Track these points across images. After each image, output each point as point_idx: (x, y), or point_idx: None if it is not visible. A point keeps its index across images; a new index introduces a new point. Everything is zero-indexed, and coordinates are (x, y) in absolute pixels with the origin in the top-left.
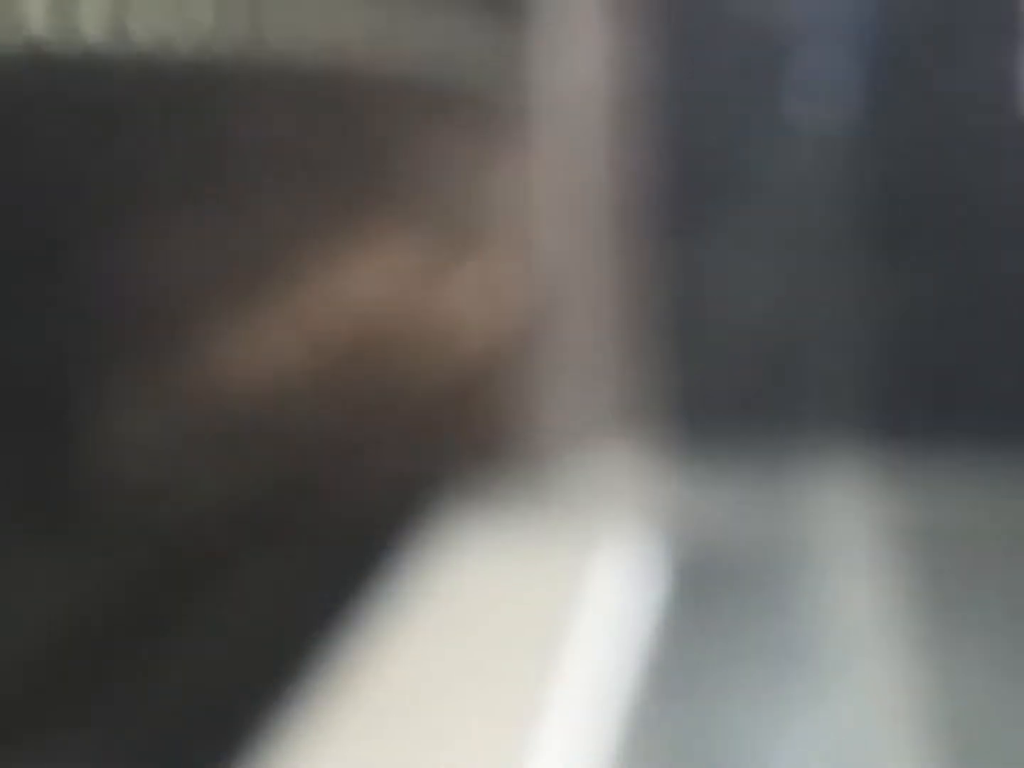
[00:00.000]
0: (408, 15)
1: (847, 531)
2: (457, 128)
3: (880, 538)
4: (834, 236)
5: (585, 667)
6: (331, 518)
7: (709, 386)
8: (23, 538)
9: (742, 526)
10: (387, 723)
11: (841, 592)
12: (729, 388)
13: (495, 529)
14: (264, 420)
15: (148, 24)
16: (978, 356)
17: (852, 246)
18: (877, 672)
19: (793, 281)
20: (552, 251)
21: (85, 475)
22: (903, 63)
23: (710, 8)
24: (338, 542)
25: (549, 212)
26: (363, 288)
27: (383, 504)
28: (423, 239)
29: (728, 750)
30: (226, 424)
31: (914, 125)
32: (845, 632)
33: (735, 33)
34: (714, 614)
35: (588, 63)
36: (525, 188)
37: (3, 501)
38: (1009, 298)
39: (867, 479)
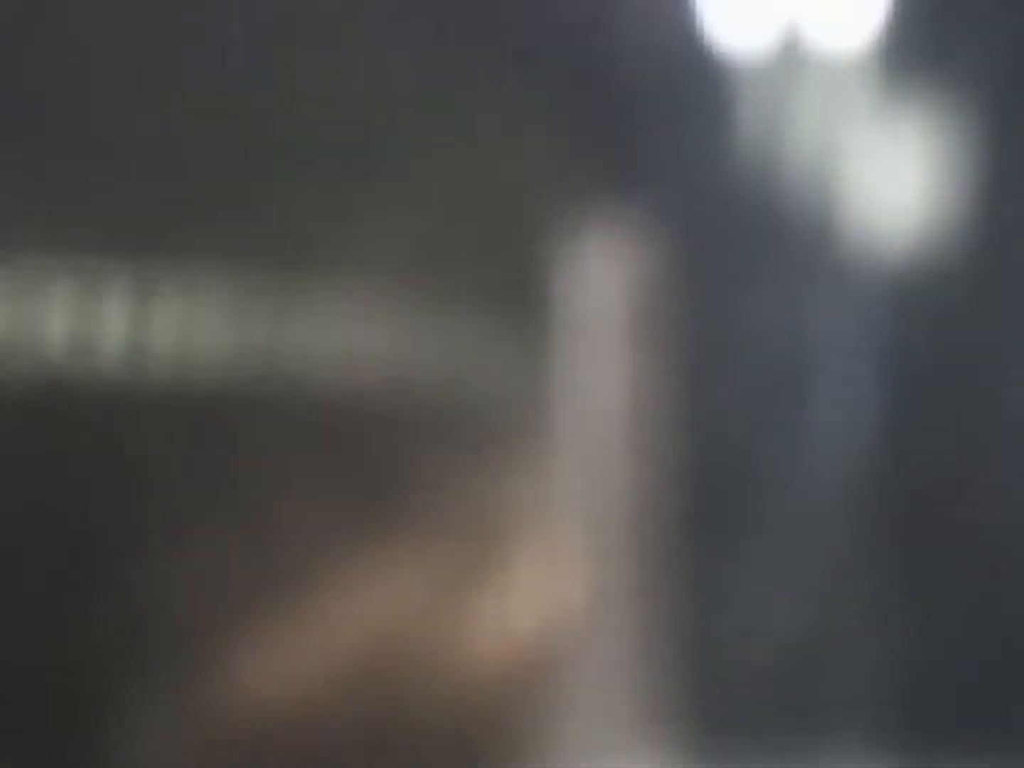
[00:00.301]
0: (427, 337)
1: None
2: (474, 443)
3: None
4: (844, 555)
5: None
6: None
7: (725, 699)
8: None
9: None
10: None
11: None
12: (745, 701)
13: None
14: (280, 735)
15: (166, 353)
16: (990, 678)
17: (863, 564)
18: None
19: (805, 597)
20: (571, 563)
21: None
22: (916, 384)
23: (726, 330)
24: None
25: (571, 521)
26: (380, 607)
27: None
28: (442, 554)
29: None
30: (241, 737)
31: (931, 448)
32: None
33: (749, 350)
34: None
35: (606, 377)
36: (543, 502)
37: None
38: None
39: None
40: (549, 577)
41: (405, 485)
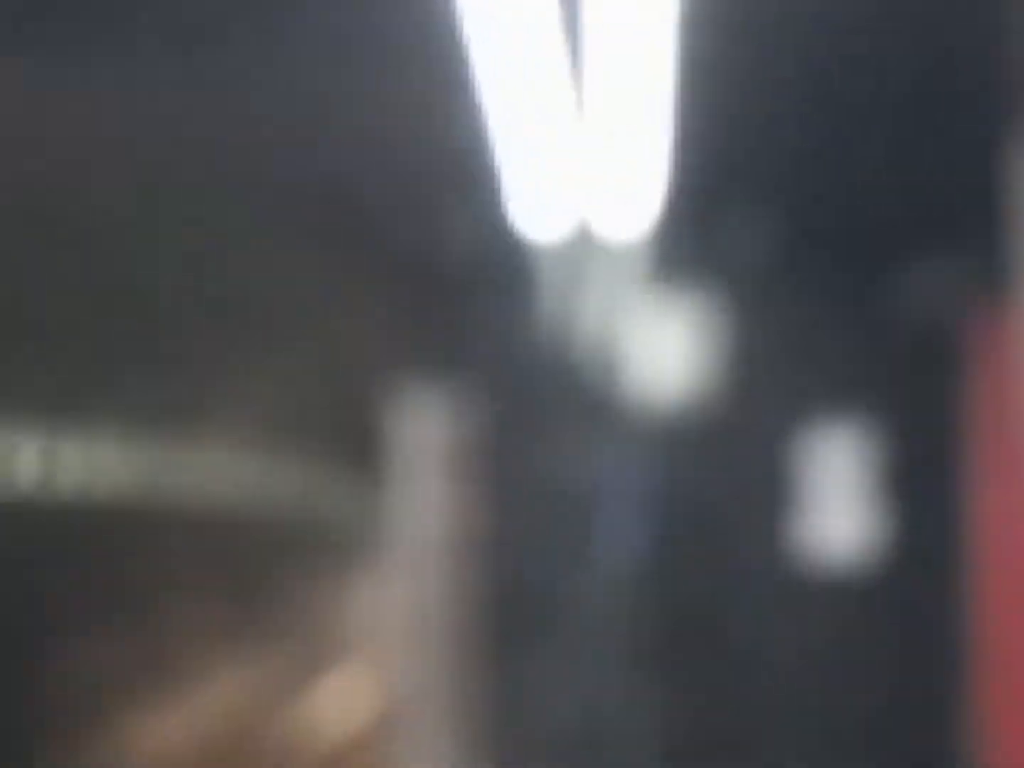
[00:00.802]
0: (286, 473)
1: None
2: (321, 561)
3: None
4: (621, 658)
5: None
6: None
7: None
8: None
9: None
10: None
11: None
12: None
13: None
14: None
15: (74, 477)
16: (735, 753)
17: (635, 665)
18: None
19: (589, 694)
20: (403, 666)
21: None
22: (681, 519)
23: (528, 476)
24: None
25: (401, 633)
26: (242, 690)
27: None
28: (294, 653)
29: None
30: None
31: (690, 570)
32: None
33: (546, 492)
34: None
35: (432, 511)
36: (381, 612)
37: None
38: (754, 706)
39: None
40: (373, 674)
41: (261, 595)
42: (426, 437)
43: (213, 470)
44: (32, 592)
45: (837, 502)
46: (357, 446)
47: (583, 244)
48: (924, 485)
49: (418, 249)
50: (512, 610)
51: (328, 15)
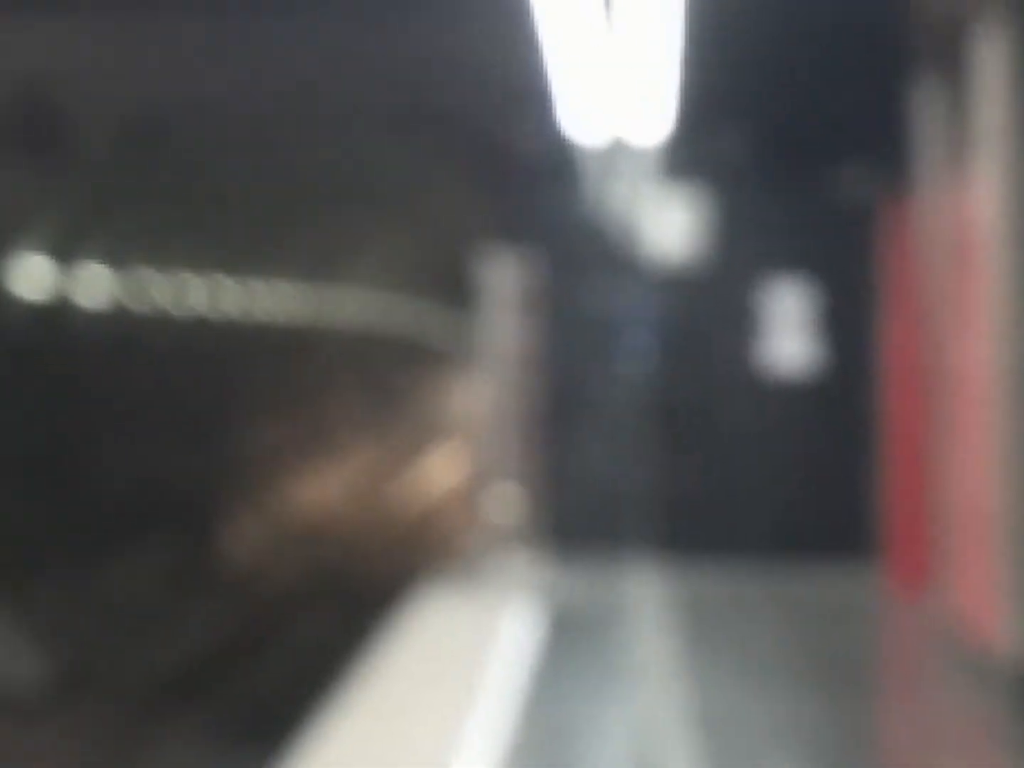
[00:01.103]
0: (404, 302)
1: (643, 602)
2: (430, 370)
3: (669, 602)
4: (638, 437)
5: (500, 668)
6: (360, 591)
7: (570, 519)
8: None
9: (584, 595)
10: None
11: (638, 635)
12: (580, 520)
13: (457, 595)
14: (314, 538)
15: (263, 306)
16: (715, 504)
17: (651, 444)
18: (661, 687)
19: (615, 461)
20: (487, 442)
21: (218, 557)
22: (681, 341)
23: (575, 311)
24: (367, 602)
25: (485, 420)
26: (373, 464)
27: (389, 583)
28: (411, 436)
29: (576, 733)
30: (295, 535)
31: (686, 376)
32: (639, 660)
33: (588, 322)
34: (565, 642)
35: (508, 335)
36: (471, 405)
37: (187, 557)
38: (730, 474)
39: (657, 571)
40: (476, 443)
41: (387, 392)
42: (503, 283)
43: (354, 304)
44: (229, 388)
45: (788, 332)
46: (455, 289)
47: (616, 149)
48: (848, 322)
49: (498, 152)
50: (562, 404)
51: None
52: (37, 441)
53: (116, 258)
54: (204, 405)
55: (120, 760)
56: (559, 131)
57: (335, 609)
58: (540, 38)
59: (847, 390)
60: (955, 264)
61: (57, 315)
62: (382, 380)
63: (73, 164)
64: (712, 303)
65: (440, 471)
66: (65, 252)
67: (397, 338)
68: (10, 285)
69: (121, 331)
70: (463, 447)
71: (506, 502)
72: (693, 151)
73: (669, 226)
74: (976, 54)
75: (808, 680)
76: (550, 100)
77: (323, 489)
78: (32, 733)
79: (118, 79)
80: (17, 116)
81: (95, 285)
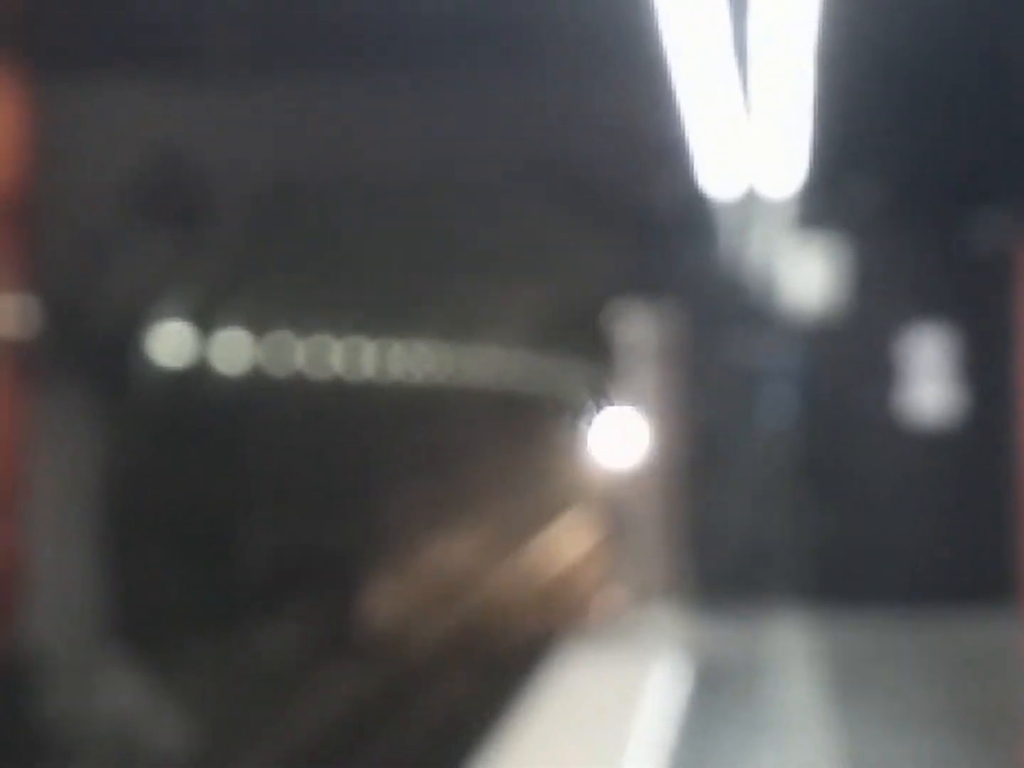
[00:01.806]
0: (543, 361)
1: (787, 654)
2: (567, 426)
3: (812, 654)
4: (779, 489)
5: (647, 723)
6: (503, 651)
7: (713, 573)
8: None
9: (727, 648)
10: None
11: (785, 687)
12: (723, 574)
13: (609, 648)
14: (456, 599)
15: (402, 367)
16: (859, 554)
17: (792, 494)
18: (810, 739)
19: (757, 513)
20: (628, 497)
21: (361, 611)
22: (819, 392)
23: (713, 362)
24: (511, 662)
25: (625, 476)
26: (513, 523)
27: (531, 643)
28: (549, 493)
29: None
30: (437, 597)
31: (826, 427)
32: (786, 712)
33: (727, 375)
34: (711, 694)
35: (646, 389)
36: (610, 463)
37: (332, 622)
38: (872, 523)
39: (799, 623)
40: (604, 507)
41: (529, 443)
42: (641, 339)
43: (493, 363)
44: (369, 449)
45: (927, 381)
46: (595, 346)
47: (750, 201)
48: (988, 371)
49: (634, 208)
50: (702, 457)
51: (557, 39)
52: (195, 504)
53: (258, 325)
54: (345, 468)
55: None
56: (696, 186)
57: (480, 669)
58: (677, 94)
59: (987, 437)
60: None
61: (201, 377)
62: (520, 437)
63: (215, 238)
64: (850, 353)
65: (578, 530)
66: (206, 318)
67: (533, 397)
68: (150, 354)
69: (262, 395)
70: (603, 503)
71: (647, 559)
72: (829, 201)
73: (806, 277)
74: None
75: (956, 726)
76: (687, 156)
77: (462, 551)
78: None
79: (270, 152)
80: (160, 181)
81: (237, 351)
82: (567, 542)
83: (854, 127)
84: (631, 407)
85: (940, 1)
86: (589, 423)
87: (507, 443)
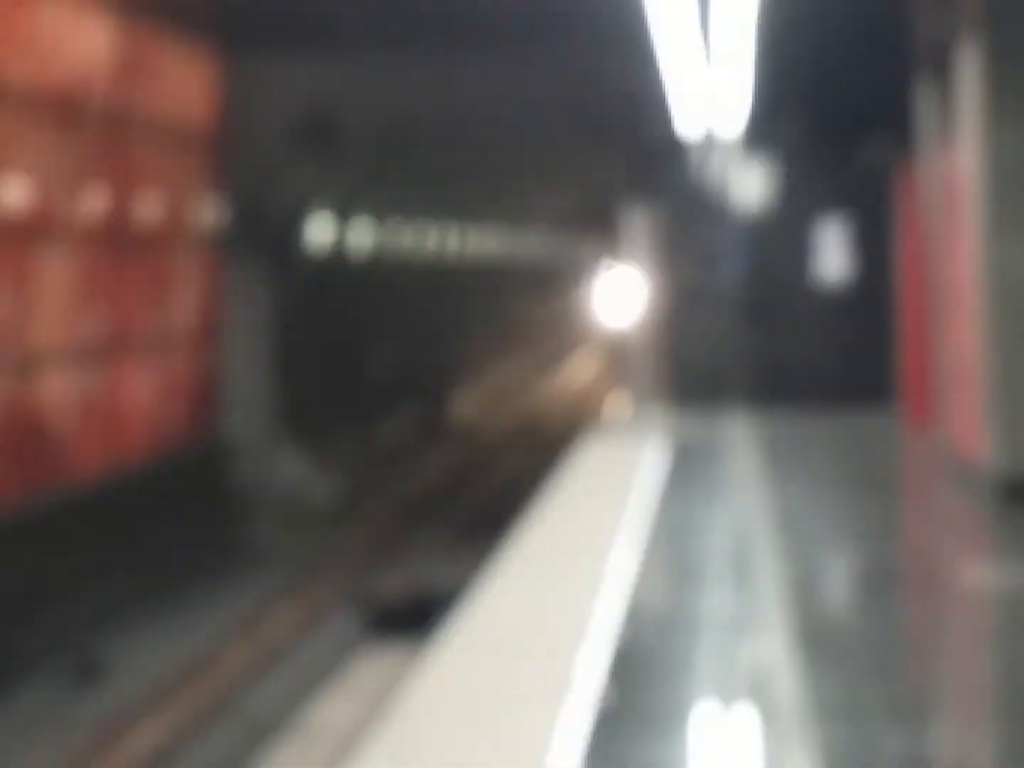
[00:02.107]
0: (568, 243)
1: (742, 437)
2: (561, 286)
3: (755, 436)
4: (732, 329)
5: (644, 477)
6: (541, 430)
7: (686, 383)
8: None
9: (698, 434)
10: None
11: (738, 458)
12: (693, 385)
13: (616, 435)
14: (510, 400)
15: (470, 247)
16: (787, 371)
17: (740, 333)
18: (753, 490)
19: (716, 345)
20: (630, 334)
21: (447, 411)
22: (759, 262)
23: (686, 242)
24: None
25: (629, 321)
26: (551, 352)
27: (578, 429)
28: (575, 331)
29: (697, 520)
30: (489, 400)
31: (763, 286)
32: (740, 474)
33: (695, 250)
34: (687, 464)
35: (641, 260)
36: (617, 312)
37: (427, 418)
38: (795, 351)
39: (747, 416)
40: (603, 347)
41: (556, 302)
42: (638, 224)
43: (534, 242)
44: (455, 298)
45: (832, 255)
46: (602, 233)
47: (713, 138)
48: (872, 245)
49: (632, 138)
50: (677, 307)
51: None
52: (338, 341)
53: (383, 218)
54: (439, 315)
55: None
56: (676, 128)
57: (536, 442)
58: (661, 68)
59: (875, 290)
60: (945, 205)
61: (340, 255)
62: (556, 290)
63: (347, 158)
64: (779, 236)
65: (594, 357)
66: (344, 215)
67: (556, 267)
68: (307, 239)
69: (384, 268)
70: (610, 339)
71: (641, 375)
72: (763, 136)
73: (748, 186)
74: (957, 63)
75: (851, 483)
76: (670, 111)
77: (514, 370)
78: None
79: (391, 100)
80: (311, 122)
81: (366, 235)
82: (585, 365)
83: (779, 85)
84: (632, 269)
85: (827, 31)
86: (599, 281)
87: (536, 293)
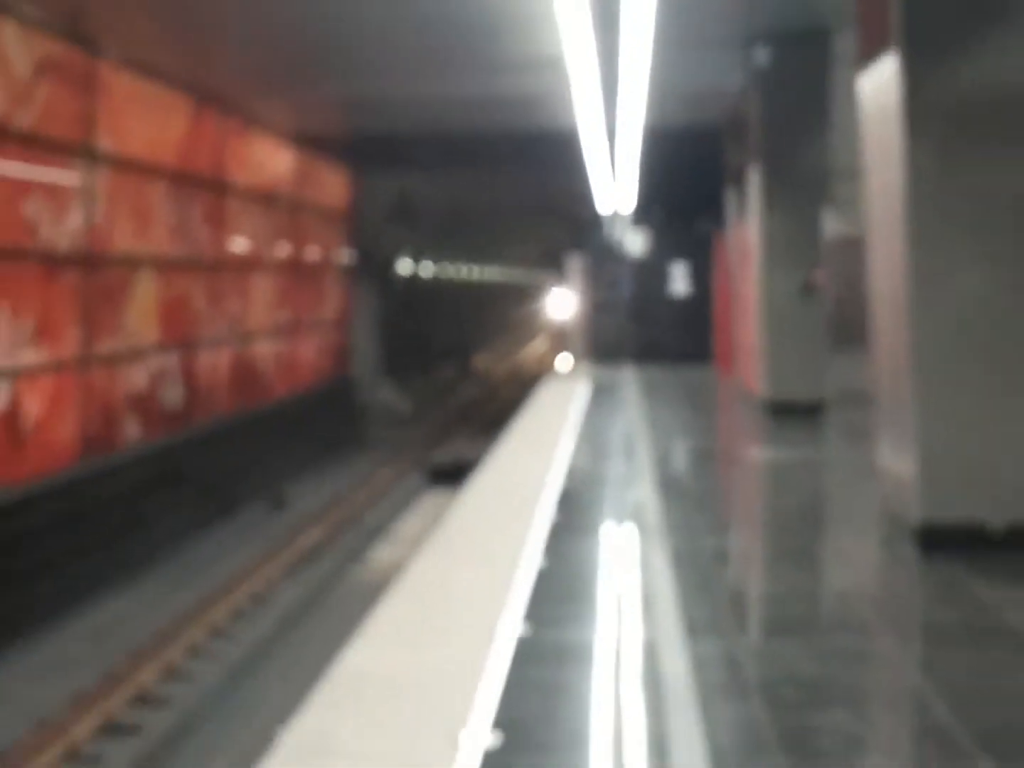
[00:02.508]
0: (529, 273)
1: (630, 379)
2: (531, 298)
3: (637, 379)
4: (626, 321)
5: (577, 399)
6: (524, 378)
7: (599, 352)
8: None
9: (608, 376)
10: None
11: (628, 390)
12: (604, 352)
13: (562, 377)
14: (505, 361)
15: (474, 276)
16: (655, 345)
17: (630, 324)
18: (634, 407)
19: (617, 330)
20: (568, 327)
21: (470, 366)
22: (640, 285)
23: (600, 275)
24: (529, 381)
25: (567, 318)
26: (522, 336)
27: (533, 377)
28: (536, 325)
29: (605, 423)
30: (499, 359)
31: (643, 297)
32: (629, 399)
33: (605, 278)
34: (601, 394)
35: (577, 285)
36: (561, 314)
37: (460, 370)
38: (659, 335)
39: (635, 368)
40: (549, 338)
41: (527, 315)
42: (574, 264)
43: (516, 273)
44: (473, 305)
45: (680, 281)
46: (556, 266)
47: (616, 216)
48: (702, 278)
49: (572, 215)
50: (596, 310)
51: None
52: (412, 326)
53: (436, 259)
54: (465, 312)
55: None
56: (597, 210)
57: (519, 382)
58: (592, 180)
59: (702, 301)
60: (741, 256)
61: (414, 279)
62: (524, 300)
63: (417, 226)
64: (652, 271)
65: (548, 338)
66: (416, 257)
67: (528, 287)
68: (397, 270)
69: (437, 286)
70: (557, 329)
71: (575, 347)
72: (643, 215)
73: (635, 242)
74: (747, 178)
75: (689, 404)
76: (593, 201)
77: (504, 344)
78: (407, 424)
79: (441, 194)
80: (399, 206)
81: (428, 268)
82: (544, 342)
83: (650, 191)
84: (570, 289)
85: (677, 161)
86: (552, 296)
87: (517, 302)
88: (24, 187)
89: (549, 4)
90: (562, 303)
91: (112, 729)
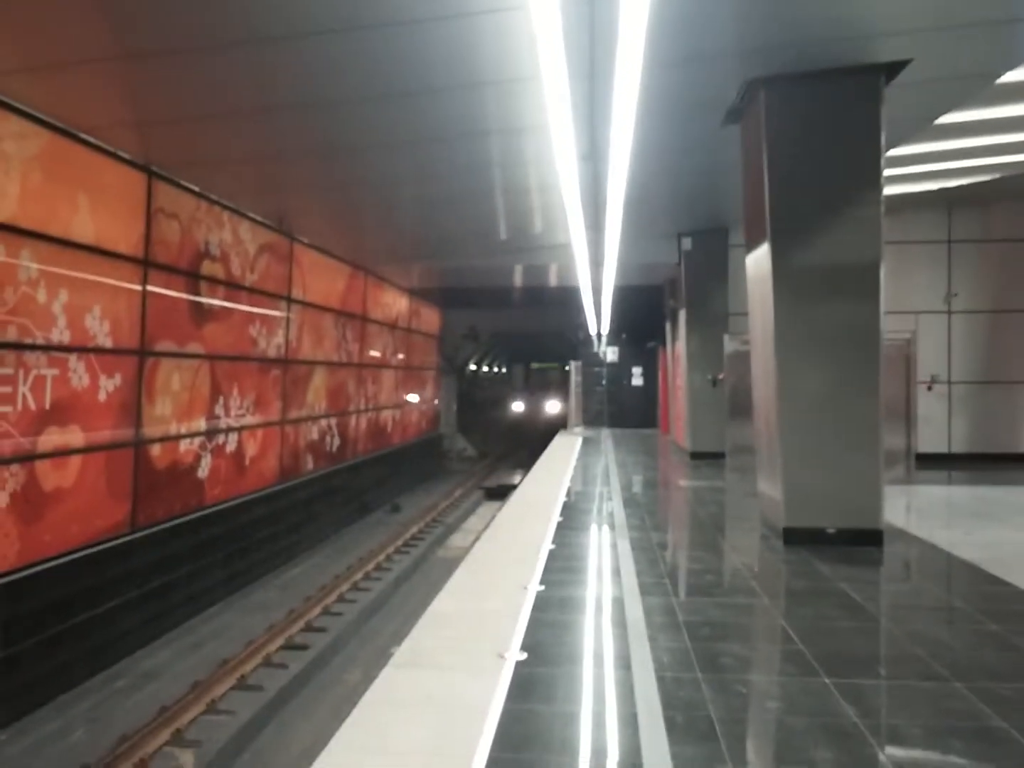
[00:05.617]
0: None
1: (606, 436)
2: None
3: (611, 436)
4: (604, 401)
5: (575, 445)
6: (541, 432)
7: (587, 419)
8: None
9: (593, 433)
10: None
11: (605, 443)
12: (592, 418)
13: (567, 432)
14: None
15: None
16: (622, 415)
17: (607, 402)
18: (611, 452)
19: (599, 404)
20: (571, 404)
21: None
22: (614, 382)
23: (589, 374)
24: (546, 434)
25: (572, 398)
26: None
27: (550, 431)
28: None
29: (591, 461)
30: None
31: (616, 387)
32: (606, 448)
33: (591, 376)
34: (588, 444)
35: (575, 381)
36: (572, 398)
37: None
38: (624, 408)
39: (609, 429)
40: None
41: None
42: (572, 367)
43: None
44: (504, 386)
45: (637, 377)
46: (559, 378)
47: (598, 336)
48: (652, 374)
49: (572, 336)
50: (586, 394)
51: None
52: (474, 405)
53: (489, 362)
54: (493, 392)
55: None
56: (589, 331)
57: (537, 436)
58: (585, 315)
59: (650, 389)
60: (674, 362)
61: (475, 375)
62: (533, 399)
63: (480, 343)
64: (620, 370)
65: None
66: (478, 361)
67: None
68: (466, 369)
69: (490, 377)
70: (559, 412)
71: (575, 417)
72: (615, 337)
73: (610, 353)
74: (678, 316)
75: (643, 452)
76: (586, 328)
77: (518, 412)
78: (474, 462)
79: (493, 323)
80: (468, 331)
81: (483, 367)
82: (554, 413)
83: (620, 324)
84: (562, 397)
85: (636, 305)
86: (553, 400)
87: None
88: (250, 318)
89: (565, 214)
90: (555, 403)
91: (292, 646)
